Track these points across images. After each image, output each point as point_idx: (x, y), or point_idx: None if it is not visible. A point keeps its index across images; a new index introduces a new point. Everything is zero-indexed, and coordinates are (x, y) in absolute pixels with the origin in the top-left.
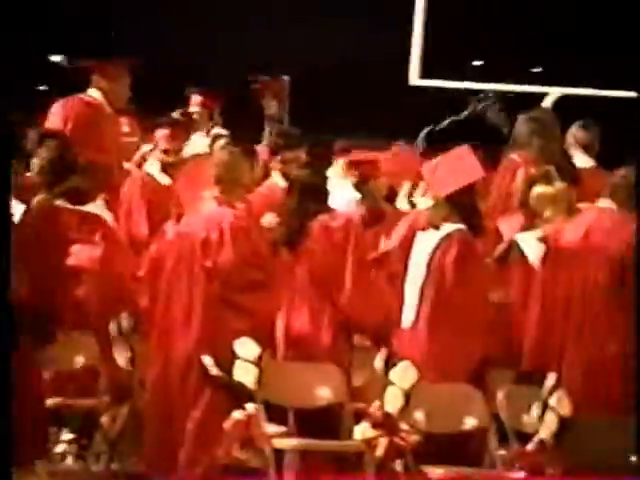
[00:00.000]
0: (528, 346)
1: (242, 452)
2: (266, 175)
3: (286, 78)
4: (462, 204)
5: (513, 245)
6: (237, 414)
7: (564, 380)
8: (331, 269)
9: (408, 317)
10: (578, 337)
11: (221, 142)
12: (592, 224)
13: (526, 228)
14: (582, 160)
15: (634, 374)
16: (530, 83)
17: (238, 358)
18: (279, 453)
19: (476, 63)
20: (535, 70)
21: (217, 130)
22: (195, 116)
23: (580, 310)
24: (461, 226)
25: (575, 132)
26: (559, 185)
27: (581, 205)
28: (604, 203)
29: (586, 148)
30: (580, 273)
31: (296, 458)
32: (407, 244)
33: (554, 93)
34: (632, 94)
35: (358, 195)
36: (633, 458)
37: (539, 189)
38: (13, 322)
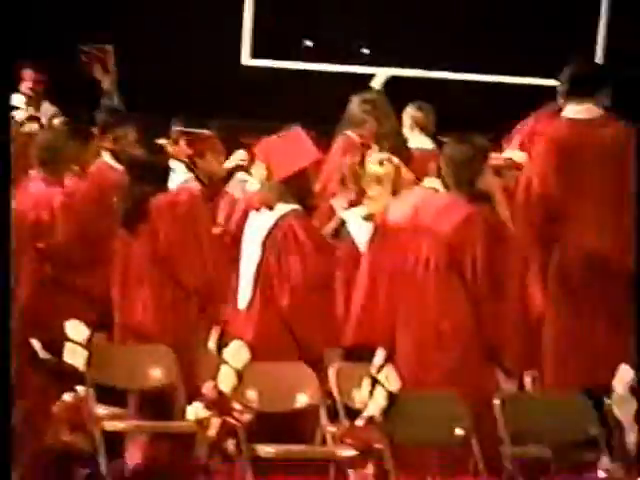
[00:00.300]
0: (352, 322)
1: (72, 435)
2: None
3: (109, 47)
4: (295, 184)
5: (342, 223)
6: (67, 397)
7: (397, 356)
8: (174, 245)
9: (243, 297)
10: (409, 315)
11: (55, 120)
12: (419, 203)
13: (355, 206)
14: (420, 141)
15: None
16: (360, 64)
17: (68, 340)
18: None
19: (308, 43)
20: (365, 51)
21: (49, 107)
22: (27, 92)
23: (410, 288)
24: (296, 206)
25: (412, 113)
26: (391, 165)
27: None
28: (430, 183)
29: (423, 129)
30: (408, 251)
31: (134, 441)
32: (241, 224)
33: (383, 74)
34: (464, 76)
35: (191, 175)
36: (458, 431)
37: (371, 168)
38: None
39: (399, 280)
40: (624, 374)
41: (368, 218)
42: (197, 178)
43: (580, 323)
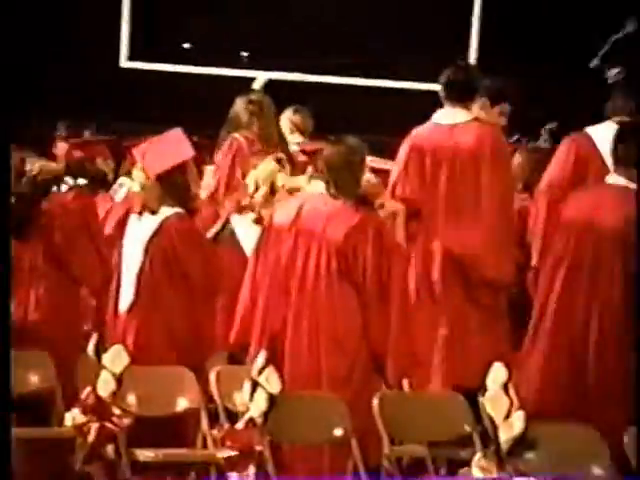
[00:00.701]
0: (236, 325)
1: None
2: None
3: None
4: (175, 186)
5: (227, 226)
6: None
7: (288, 360)
8: (69, 248)
9: (125, 300)
10: (300, 320)
11: None
12: (306, 207)
13: (243, 209)
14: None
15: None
16: (239, 67)
17: None
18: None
19: (186, 46)
20: (244, 54)
21: None
22: None
23: (300, 293)
24: (178, 210)
25: (290, 116)
26: (276, 167)
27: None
28: (314, 186)
29: (302, 132)
30: (297, 256)
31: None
32: (122, 227)
33: (262, 77)
34: (345, 80)
35: (80, 179)
36: (337, 431)
37: (258, 171)
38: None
39: (288, 284)
40: (497, 372)
41: (256, 221)
42: (86, 182)
43: (448, 323)
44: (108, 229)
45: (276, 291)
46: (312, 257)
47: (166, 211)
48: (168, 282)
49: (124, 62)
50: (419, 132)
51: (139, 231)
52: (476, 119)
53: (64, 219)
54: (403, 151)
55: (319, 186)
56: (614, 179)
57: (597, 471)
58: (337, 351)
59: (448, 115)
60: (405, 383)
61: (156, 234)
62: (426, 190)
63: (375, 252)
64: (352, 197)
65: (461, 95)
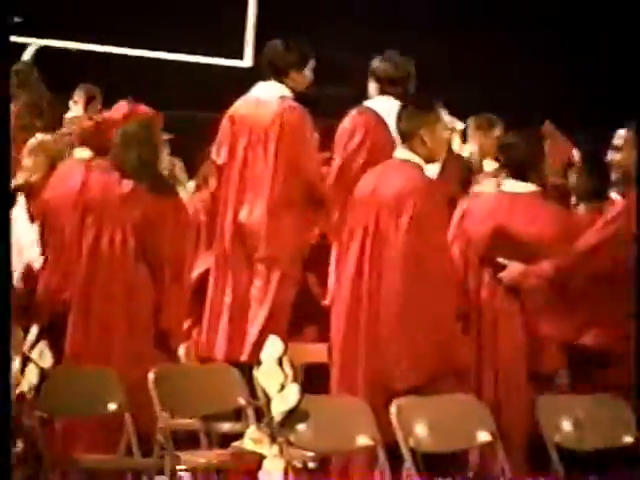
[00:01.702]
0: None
1: None
2: None
3: None
4: None
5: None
6: None
7: (71, 335)
8: None
9: None
10: (86, 296)
11: None
12: (90, 181)
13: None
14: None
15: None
16: (11, 33)
17: None
18: None
19: None
20: (17, 20)
21: None
22: None
23: (89, 269)
24: None
25: (77, 92)
26: (47, 137)
27: None
28: (80, 153)
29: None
30: (85, 232)
31: None
32: None
33: (33, 47)
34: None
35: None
36: (112, 406)
37: (32, 140)
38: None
39: (72, 261)
40: (272, 346)
41: (19, 190)
42: None
43: (232, 293)
44: None
45: (58, 268)
46: (105, 235)
47: None
48: None
49: None
50: (237, 104)
51: None
52: (282, 96)
53: None
54: (223, 121)
55: (100, 160)
56: (399, 153)
57: (364, 442)
58: (130, 328)
59: (260, 89)
60: (182, 355)
61: None
62: (229, 160)
63: (171, 232)
64: (150, 176)
65: (273, 71)
